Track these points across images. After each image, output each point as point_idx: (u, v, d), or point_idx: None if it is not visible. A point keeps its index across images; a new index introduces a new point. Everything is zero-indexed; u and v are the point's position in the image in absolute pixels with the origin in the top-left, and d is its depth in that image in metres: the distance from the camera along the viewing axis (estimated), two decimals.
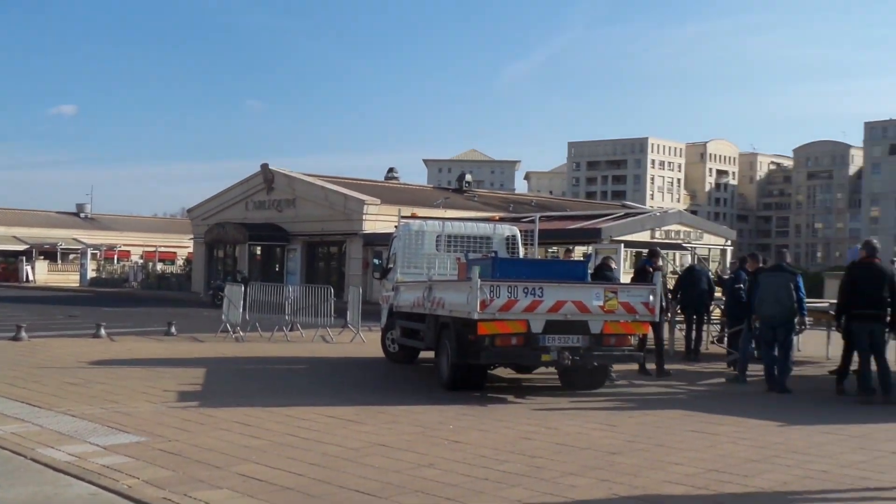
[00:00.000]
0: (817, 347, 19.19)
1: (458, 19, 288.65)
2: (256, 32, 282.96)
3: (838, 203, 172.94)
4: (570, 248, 20.12)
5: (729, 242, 41.82)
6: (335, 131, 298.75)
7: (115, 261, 69.42)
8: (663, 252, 19.85)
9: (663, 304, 15.04)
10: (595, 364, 13.28)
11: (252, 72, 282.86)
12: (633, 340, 13.41)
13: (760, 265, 15.63)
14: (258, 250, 47.76)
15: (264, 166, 47.42)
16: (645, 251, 25.51)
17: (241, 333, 21.94)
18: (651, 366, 15.34)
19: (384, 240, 24.65)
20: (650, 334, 15.01)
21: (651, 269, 14.41)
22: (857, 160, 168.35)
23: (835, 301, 14.46)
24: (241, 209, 48.69)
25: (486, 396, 12.90)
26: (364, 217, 40.74)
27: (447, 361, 13.45)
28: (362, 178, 51.76)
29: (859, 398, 12.71)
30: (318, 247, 45.22)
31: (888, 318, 12.86)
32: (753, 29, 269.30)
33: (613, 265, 16.54)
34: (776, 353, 13.92)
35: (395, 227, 18.94)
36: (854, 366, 13.45)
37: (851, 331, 13.15)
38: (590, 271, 16.48)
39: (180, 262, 66.00)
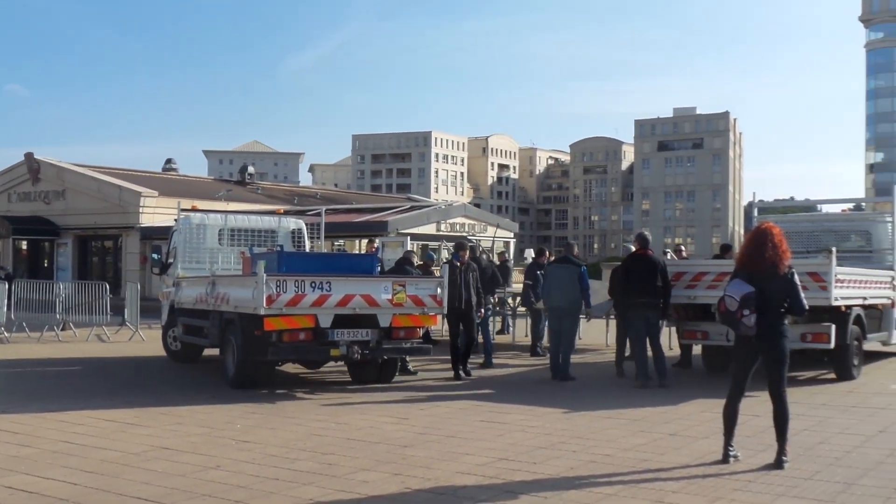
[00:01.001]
0: (597, 336, 20.00)
1: (240, 6, 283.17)
2: (18, 12, 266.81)
3: (612, 196, 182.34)
4: (373, 239, 19.83)
5: (512, 235, 43.03)
6: (108, 120, 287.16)
7: None
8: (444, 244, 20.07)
9: (473, 299, 14.58)
10: (385, 357, 13.30)
11: (13, 54, 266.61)
12: (421, 333, 13.51)
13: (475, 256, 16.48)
14: (24, 245, 44.96)
15: (28, 155, 44.59)
16: (434, 244, 25.69)
17: (6, 334, 20.70)
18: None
19: (164, 233, 23.69)
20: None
21: (458, 264, 14.28)
22: (628, 156, 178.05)
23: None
24: (3, 201, 45.59)
25: (274, 393, 12.65)
26: (141, 210, 39.10)
27: (233, 359, 13.12)
28: (138, 170, 49.60)
29: (637, 383, 13.29)
30: (92, 241, 43.06)
31: (661, 306, 13.48)
32: (532, 28, 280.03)
33: (416, 260, 16.47)
34: (560, 342, 14.36)
35: (175, 220, 18.28)
36: (630, 352, 14.09)
37: (628, 319, 13.76)
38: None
39: None
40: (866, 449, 8.75)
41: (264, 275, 11.86)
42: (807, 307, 8.16)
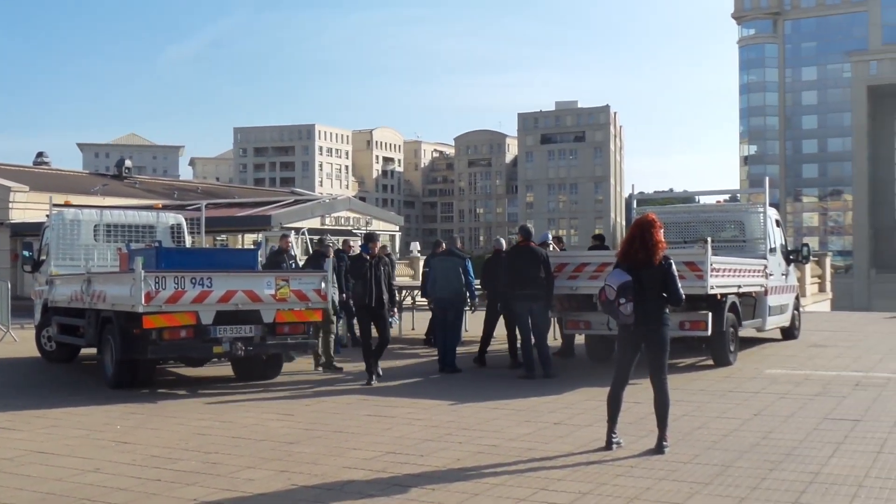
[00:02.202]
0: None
1: None
2: None
3: (497, 189, 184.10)
4: (287, 234, 19.10)
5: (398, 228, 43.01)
6: None
7: None
8: (333, 238, 19.84)
9: (385, 296, 13.49)
10: (270, 353, 13.13)
11: None
12: (306, 328, 13.36)
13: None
14: None
15: None
16: (319, 237, 25.46)
17: None
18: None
19: (36, 230, 22.87)
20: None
21: (368, 257, 13.70)
22: (512, 149, 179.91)
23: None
24: None
25: (155, 393, 12.37)
26: (11, 205, 37.67)
27: (111, 358, 12.77)
28: (7, 164, 47.74)
29: (521, 374, 13.42)
30: None
31: (545, 298, 13.62)
32: (414, 20, 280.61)
33: (329, 256, 15.95)
34: (446, 334, 14.39)
35: (47, 216, 17.63)
36: (508, 343, 14.25)
37: (513, 311, 13.88)
38: (261, 260, 16.15)
39: None
40: (742, 432, 9.04)
41: (142, 271, 11.55)
42: (683, 297, 8.38)
